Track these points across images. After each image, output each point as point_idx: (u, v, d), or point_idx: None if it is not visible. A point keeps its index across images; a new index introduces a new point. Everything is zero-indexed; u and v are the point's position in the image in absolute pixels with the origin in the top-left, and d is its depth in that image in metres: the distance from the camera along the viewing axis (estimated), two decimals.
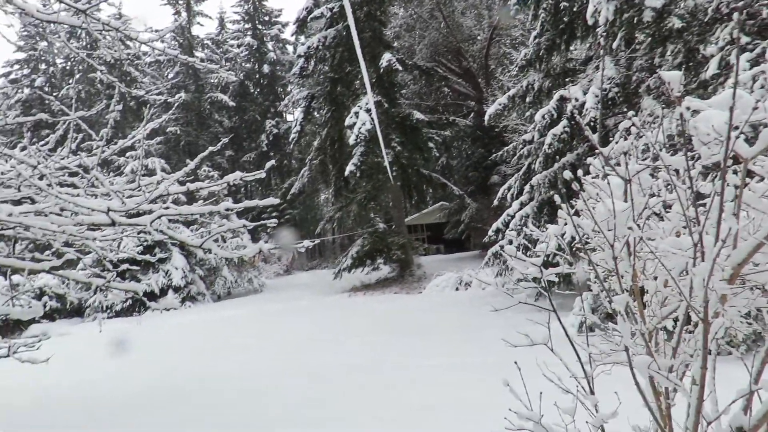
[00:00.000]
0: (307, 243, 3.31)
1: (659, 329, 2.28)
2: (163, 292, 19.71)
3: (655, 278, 2.22)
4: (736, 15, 5.63)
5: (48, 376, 7.68)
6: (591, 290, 2.44)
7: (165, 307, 17.29)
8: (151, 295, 19.06)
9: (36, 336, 4.79)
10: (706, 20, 6.34)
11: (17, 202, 4.00)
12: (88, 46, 28.67)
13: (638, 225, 2.26)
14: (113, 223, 2.81)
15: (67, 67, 35.98)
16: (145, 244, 18.08)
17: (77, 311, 19.53)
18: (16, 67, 36.22)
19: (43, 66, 36.20)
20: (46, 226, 2.65)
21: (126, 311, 19.26)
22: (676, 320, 2.25)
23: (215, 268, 22.37)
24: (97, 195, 4.41)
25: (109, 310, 19.00)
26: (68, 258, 4.07)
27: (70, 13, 4.08)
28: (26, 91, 32.77)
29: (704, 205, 1.98)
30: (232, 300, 21.67)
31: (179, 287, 20.03)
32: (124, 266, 5.45)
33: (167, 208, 3.49)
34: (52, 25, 3.23)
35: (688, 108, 1.51)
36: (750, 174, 1.91)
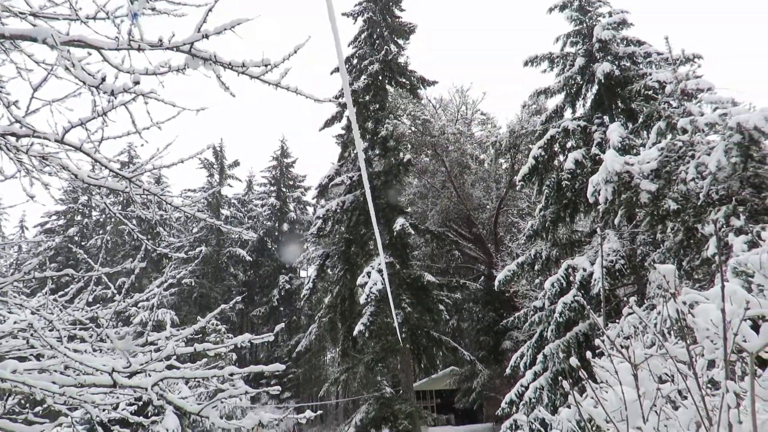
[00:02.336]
0: (309, 413, 3.15)
1: None
2: None
3: None
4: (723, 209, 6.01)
5: None
6: None
7: None
8: None
9: None
10: (699, 203, 6.75)
11: (21, 357, 3.97)
12: (124, 201, 30.86)
13: (656, 412, 2.16)
14: (114, 385, 2.76)
15: (101, 220, 38.21)
16: (138, 403, 17.14)
17: None
18: (54, 217, 38.60)
19: (78, 217, 38.55)
20: (48, 387, 2.60)
21: None
22: None
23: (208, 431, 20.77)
24: (103, 350, 4.37)
25: None
26: (60, 420, 3.89)
27: (116, 179, 4.51)
28: (57, 239, 34.40)
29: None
30: None
31: None
32: (116, 428, 5.15)
33: (171, 367, 3.42)
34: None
35: (684, 303, 1.56)
36: (763, 363, 1.88)
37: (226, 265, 36.36)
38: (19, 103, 3.05)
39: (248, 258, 36.03)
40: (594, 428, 2.21)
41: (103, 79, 2.31)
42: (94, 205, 38.20)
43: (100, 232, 35.80)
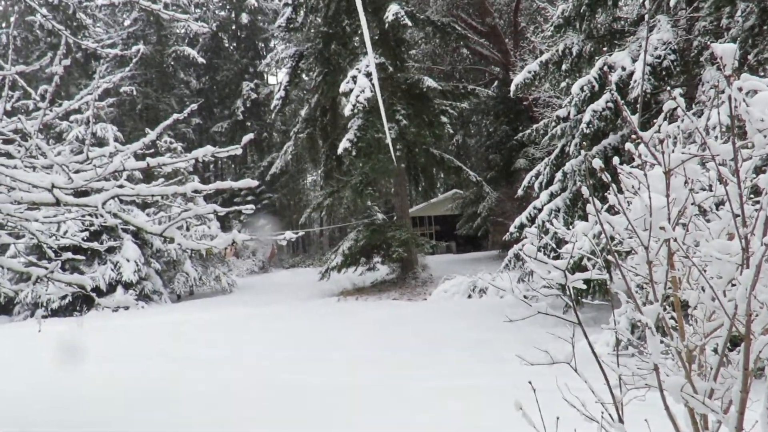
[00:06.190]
0: (289, 234, 3.38)
1: (704, 349, 2.36)
2: (111, 288, 19.85)
3: (703, 289, 2.30)
4: None
5: None
6: (628, 301, 2.51)
7: (116, 306, 17.45)
8: (97, 292, 19.22)
9: None
10: None
11: None
12: None
13: (683, 224, 2.33)
14: (57, 203, 2.89)
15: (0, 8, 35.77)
16: (90, 229, 18.20)
17: (3, 308, 19.74)
18: None
19: None
20: None
21: (64, 309, 19.42)
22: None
23: (175, 262, 22.52)
24: (37, 167, 4.48)
25: (44, 308, 19.17)
26: (2, 242, 4.16)
27: None
28: None
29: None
30: (194, 301, 21.82)
31: (131, 283, 20.18)
32: (67, 255, 5.55)
33: (122, 186, 3.56)
34: None
35: (740, 89, 1.57)
36: None
37: (174, 70, 35.37)
38: None
39: (200, 60, 34.90)
40: (613, 241, 2.40)
41: None
42: None
43: (3, 25, 33.82)
